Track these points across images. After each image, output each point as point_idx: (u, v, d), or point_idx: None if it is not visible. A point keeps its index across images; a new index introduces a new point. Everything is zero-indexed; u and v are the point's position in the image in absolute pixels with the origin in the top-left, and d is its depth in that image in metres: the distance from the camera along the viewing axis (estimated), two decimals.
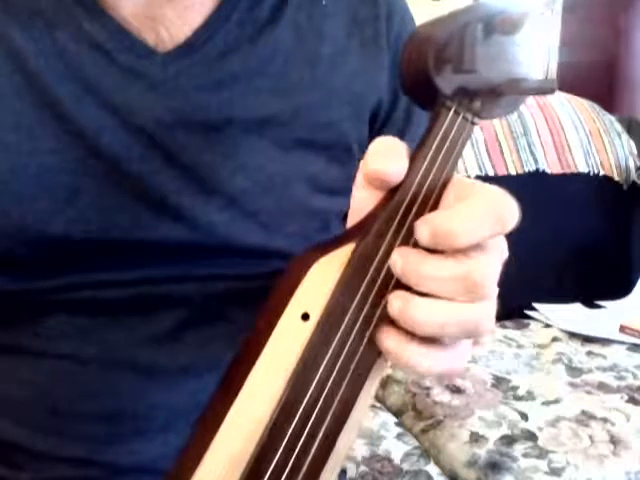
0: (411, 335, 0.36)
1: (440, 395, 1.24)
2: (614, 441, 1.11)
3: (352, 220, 0.39)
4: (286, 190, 0.57)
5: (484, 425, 1.15)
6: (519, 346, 1.46)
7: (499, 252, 0.37)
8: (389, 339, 0.36)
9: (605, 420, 1.17)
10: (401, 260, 0.36)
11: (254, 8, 0.57)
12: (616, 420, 1.17)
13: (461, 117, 0.38)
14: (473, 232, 0.35)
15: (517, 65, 0.40)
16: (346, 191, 0.61)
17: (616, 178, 1.76)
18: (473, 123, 0.38)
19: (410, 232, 0.36)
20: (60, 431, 0.56)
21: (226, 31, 0.55)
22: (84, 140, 0.52)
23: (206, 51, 0.55)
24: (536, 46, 0.40)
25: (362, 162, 0.38)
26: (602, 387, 1.29)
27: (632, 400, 1.24)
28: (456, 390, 1.26)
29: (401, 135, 0.63)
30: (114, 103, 0.52)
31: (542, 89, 0.39)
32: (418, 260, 0.36)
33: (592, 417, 1.17)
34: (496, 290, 0.38)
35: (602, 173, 1.75)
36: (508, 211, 0.36)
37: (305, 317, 0.36)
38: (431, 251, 0.36)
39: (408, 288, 0.36)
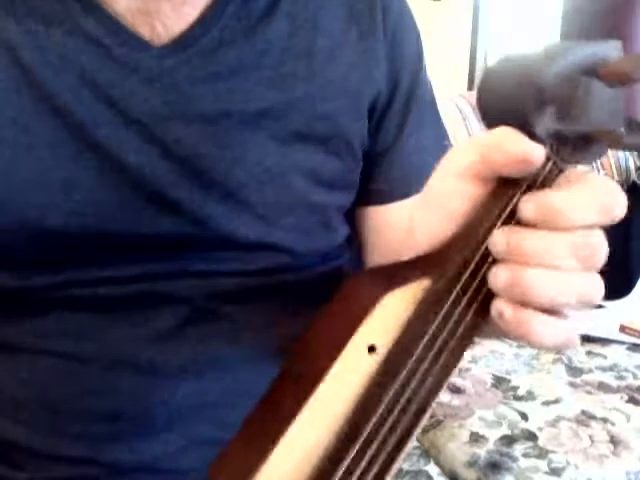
0: (529, 306, 0.35)
1: (440, 395, 1.24)
2: (614, 441, 1.11)
3: (423, 207, 0.38)
4: (284, 183, 0.57)
5: (484, 425, 1.15)
6: (519, 346, 1.46)
7: (603, 235, 0.37)
8: (508, 308, 0.35)
9: (605, 420, 1.17)
10: (508, 237, 0.35)
11: (250, 1, 0.57)
12: (616, 420, 1.17)
13: (551, 162, 0.36)
14: (580, 214, 0.34)
15: (607, 113, 0.38)
16: (345, 185, 0.61)
17: (616, 178, 1.77)
18: (561, 169, 0.37)
19: (487, 272, 0.36)
20: (60, 430, 0.55)
21: (222, 25, 0.56)
22: (81, 133, 0.52)
23: (202, 45, 0.55)
24: (621, 94, 0.40)
25: (478, 150, 0.36)
26: (602, 387, 1.29)
27: (632, 400, 1.24)
28: (456, 390, 1.26)
29: (400, 128, 0.63)
30: (110, 96, 0.52)
31: (635, 144, 0.37)
32: (525, 233, 0.35)
33: (592, 417, 1.17)
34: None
35: (602, 173, 1.75)
36: (617, 201, 0.36)
37: (371, 349, 0.35)
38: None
39: (484, 309, 0.36)
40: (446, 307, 0.36)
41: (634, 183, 1.78)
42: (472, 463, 1.06)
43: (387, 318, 0.35)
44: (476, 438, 1.11)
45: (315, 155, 0.58)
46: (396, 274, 0.36)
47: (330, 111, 0.58)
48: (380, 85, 0.61)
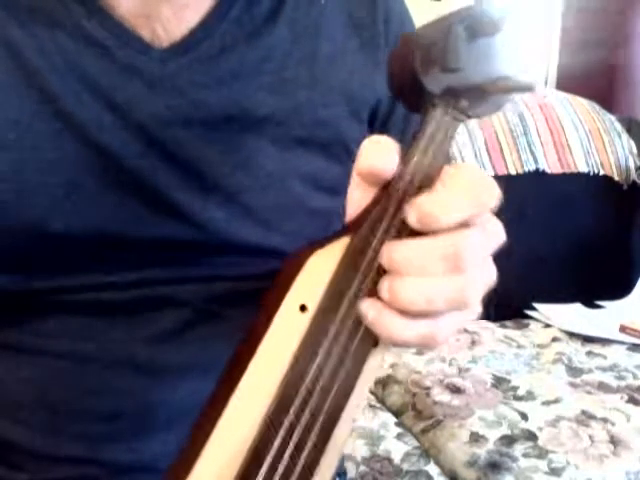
0: (390, 306, 0.37)
1: (440, 395, 1.24)
2: (614, 441, 1.11)
3: (348, 219, 0.40)
4: (284, 188, 0.57)
5: (484, 425, 1.15)
6: (519, 346, 1.46)
7: (486, 230, 0.38)
8: (371, 309, 0.37)
9: (605, 420, 1.16)
10: (385, 250, 0.37)
11: (252, 6, 0.57)
12: (616, 420, 1.17)
13: (448, 115, 0.39)
14: (453, 212, 0.36)
15: (501, 64, 0.41)
16: (346, 191, 0.61)
17: (616, 178, 1.76)
18: (460, 121, 0.40)
19: (402, 225, 0.38)
20: (59, 430, 0.55)
21: (223, 30, 0.56)
22: (84, 136, 0.52)
23: (204, 49, 0.55)
24: (520, 45, 0.42)
25: (355, 162, 0.38)
26: (602, 387, 1.29)
27: (632, 400, 1.23)
28: (456, 390, 1.25)
29: (402, 135, 0.63)
30: (113, 100, 0.52)
31: (519, 86, 0.40)
32: (397, 245, 0.37)
33: (592, 417, 1.17)
34: (487, 268, 0.39)
35: (602, 173, 1.75)
36: (485, 190, 0.37)
37: (303, 308, 0.37)
38: (419, 236, 0.37)
39: None
40: (366, 260, 0.38)
41: (634, 183, 1.78)
42: (472, 463, 1.06)
43: (314, 277, 0.38)
44: (476, 438, 1.11)
45: (315, 160, 0.58)
46: (320, 241, 0.39)
47: (331, 117, 0.58)
48: (380, 93, 0.61)
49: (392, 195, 0.38)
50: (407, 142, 0.38)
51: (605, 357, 1.42)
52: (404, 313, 0.37)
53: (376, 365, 0.39)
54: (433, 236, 0.37)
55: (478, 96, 0.40)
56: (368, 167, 0.38)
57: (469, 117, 0.40)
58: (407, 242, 0.37)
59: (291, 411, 0.36)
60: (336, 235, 0.38)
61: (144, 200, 0.53)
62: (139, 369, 0.55)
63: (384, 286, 0.37)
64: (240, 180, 0.55)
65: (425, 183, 0.38)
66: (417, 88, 0.39)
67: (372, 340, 0.38)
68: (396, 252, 0.37)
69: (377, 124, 0.63)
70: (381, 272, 0.38)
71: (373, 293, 0.37)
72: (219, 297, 0.57)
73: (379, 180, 0.38)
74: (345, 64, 0.59)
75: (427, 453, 1.11)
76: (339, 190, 0.60)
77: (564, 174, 1.72)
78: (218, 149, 0.54)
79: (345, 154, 0.60)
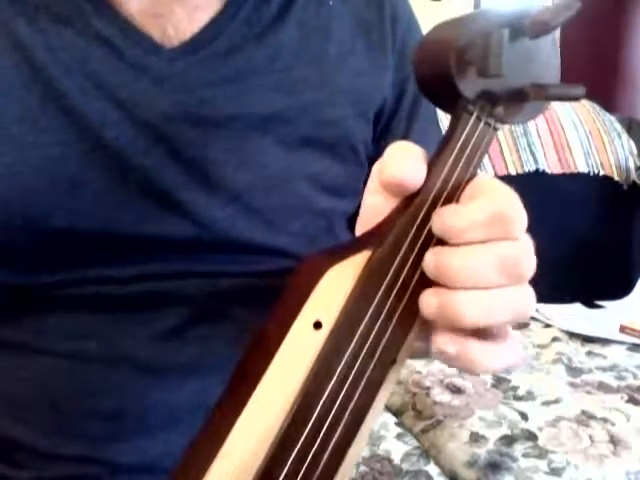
0: (469, 335, 0.35)
1: (440, 395, 1.24)
2: (614, 441, 1.11)
3: (363, 225, 0.38)
4: (289, 188, 0.57)
5: (484, 425, 1.15)
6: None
7: (529, 242, 0.37)
8: (451, 342, 0.35)
9: (605, 420, 1.16)
10: (433, 257, 0.35)
11: (261, 7, 0.57)
12: (616, 420, 1.17)
13: (483, 122, 0.36)
14: (474, 231, 0.35)
15: (542, 70, 0.38)
16: (350, 192, 0.62)
17: (616, 178, 1.77)
18: (495, 129, 0.37)
19: (428, 240, 0.36)
20: (61, 429, 0.55)
21: (232, 30, 0.56)
22: (89, 133, 0.52)
23: (212, 48, 0.55)
24: (556, 50, 0.39)
25: (375, 167, 0.37)
26: (602, 387, 1.29)
27: (632, 400, 1.23)
28: (456, 390, 1.25)
29: (405, 135, 0.63)
30: (120, 97, 0.52)
31: (569, 95, 0.37)
32: (449, 256, 0.35)
33: (592, 417, 1.17)
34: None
35: (602, 173, 1.75)
36: (511, 216, 0.35)
37: (317, 325, 0.35)
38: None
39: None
40: (388, 276, 0.35)
41: (634, 183, 1.78)
42: (472, 463, 1.06)
43: (330, 293, 0.35)
44: (476, 438, 1.11)
45: (321, 160, 0.58)
46: (337, 252, 0.36)
47: (338, 117, 0.58)
48: (386, 93, 0.62)
49: (419, 207, 0.35)
50: (412, 143, 0.37)
51: (605, 357, 1.42)
52: (485, 340, 0.35)
53: (393, 381, 0.37)
54: (489, 243, 0.34)
55: (516, 102, 0.37)
56: (393, 177, 0.35)
57: (504, 124, 0.37)
58: (460, 250, 0.35)
59: (306, 428, 0.35)
60: (354, 246, 0.36)
61: (148, 197, 0.53)
62: (141, 368, 0.55)
63: (432, 299, 0.35)
64: (244, 179, 0.55)
65: (455, 194, 0.36)
66: (451, 91, 0.35)
67: (391, 358, 0.36)
68: (451, 262, 0.34)
69: (381, 123, 0.63)
70: (406, 291, 0.36)
71: (395, 314, 0.36)
72: (223, 293, 0.57)
73: (404, 191, 0.36)
74: (353, 65, 0.60)
75: (427, 453, 1.11)
76: (344, 191, 0.60)
77: (564, 174, 1.72)
78: (222, 147, 0.54)
79: (351, 154, 0.60)
